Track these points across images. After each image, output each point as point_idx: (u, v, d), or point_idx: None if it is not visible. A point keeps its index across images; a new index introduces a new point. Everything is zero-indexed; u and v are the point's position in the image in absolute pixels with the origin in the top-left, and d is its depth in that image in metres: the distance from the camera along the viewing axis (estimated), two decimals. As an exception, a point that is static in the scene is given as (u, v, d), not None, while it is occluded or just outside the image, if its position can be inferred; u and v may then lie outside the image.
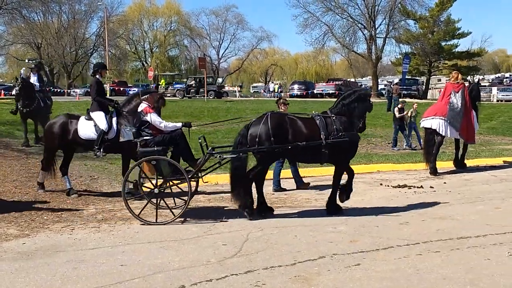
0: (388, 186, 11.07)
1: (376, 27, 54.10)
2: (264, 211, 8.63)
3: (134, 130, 9.39)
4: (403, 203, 9.44)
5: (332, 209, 8.76)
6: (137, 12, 71.67)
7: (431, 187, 10.96)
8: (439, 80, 60.68)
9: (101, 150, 9.88)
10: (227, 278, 5.68)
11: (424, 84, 57.33)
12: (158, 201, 8.51)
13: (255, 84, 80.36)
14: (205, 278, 5.67)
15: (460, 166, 13.43)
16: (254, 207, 8.57)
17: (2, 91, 49.51)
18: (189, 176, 8.32)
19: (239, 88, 61.39)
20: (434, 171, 12.61)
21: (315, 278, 5.69)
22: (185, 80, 57.16)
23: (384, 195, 9.02)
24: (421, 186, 10.92)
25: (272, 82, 69.26)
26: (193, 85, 50.23)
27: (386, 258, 6.35)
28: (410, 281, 5.59)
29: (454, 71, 14.43)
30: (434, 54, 54.13)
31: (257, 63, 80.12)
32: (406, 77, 51.42)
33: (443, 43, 55.26)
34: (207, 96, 42.59)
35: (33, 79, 16.30)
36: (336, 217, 8.45)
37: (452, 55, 55.69)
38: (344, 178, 8.83)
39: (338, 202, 8.80)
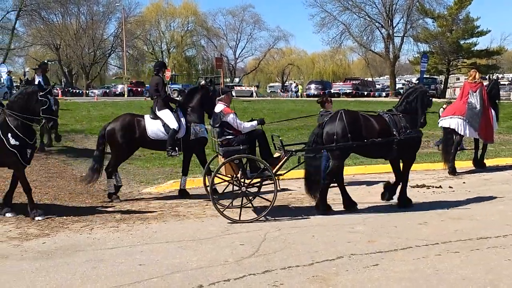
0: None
1: (394, 26, 53.77)
2: (350, 207, 8.95)
3: (204, 127, 9.79)
4: (422, 203, 9.37)
5: (403, 202, 9.14)
6: (154, 13, 72.01)
7: (450, 187, 10.87)
8: (458, 79, 60.12)
9: (176, 149, 9.77)
10: (245, 278, 5.69)
11: (443, 83, 56.84)
12: (242, 199, 8.57)
13: (271, 84, 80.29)
14: (223, 278, 5.68)
15: (479, 166, 13.29)
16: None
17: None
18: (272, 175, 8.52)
19: (255, 88, 61.49)
20: (453, 171, 12.50)
21: (333, 278, 5.67)
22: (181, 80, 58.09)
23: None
24: (440, 186, 10.84)
25: (294, 82, 69.04)
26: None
27: (404, 258, 6.31)
28: (429, 281, 5.55)
29: (472, 70, 14.28)
30: (453, 53, 53.67)
31: (274, 62, 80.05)
32: (424, 76, 51.02)
33: (461, 42, 54.74)
34: None
35: (37, 81, 14.99)
36: (354, 217, 8.42)
37: (471, 53, 55.16)
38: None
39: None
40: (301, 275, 5.77)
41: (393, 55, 53.62)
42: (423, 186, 10.92)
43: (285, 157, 8.74)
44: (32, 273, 5.96)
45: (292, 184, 11.30)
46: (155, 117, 9.91)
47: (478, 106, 12.64)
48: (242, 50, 76.96)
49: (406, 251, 6.60)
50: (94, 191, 10.45)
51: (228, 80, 53.98)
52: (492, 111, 13.13)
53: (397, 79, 57.70)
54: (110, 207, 9.34)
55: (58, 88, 58.76)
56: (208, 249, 6.81)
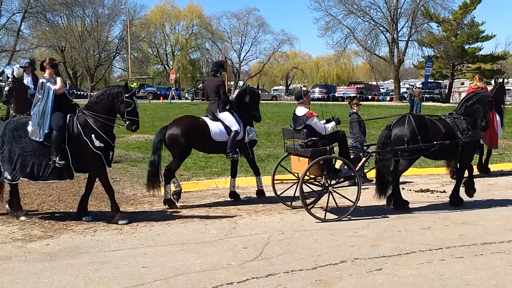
0: (410, 190, 10.97)
1: (399, 30, 53.94)
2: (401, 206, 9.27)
3: (254, 130, 9.90)
4: (426, 207, 9.35)
5: (456, 202, 9.50)
6: (159, 16, 72.27)
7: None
8: (462, 83, 60.09)
9: (238, 151, 9.65)
10: (248, 282, 5.69)
11: (447, 87, 56.78)
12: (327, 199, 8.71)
13: (276, 87, 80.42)
14: (226, 281, 5.69)
15: (484, 171, 13.25)
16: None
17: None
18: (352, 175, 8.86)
19: (259, 91, 61.72)
20: (454, 175, 12.47)
21: (337, 283, 5.67)
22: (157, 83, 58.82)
23: (406, 200, 8.96)
24: (444, 191, 10.80)
25: (304, 86, 69.03)
26: (201, 88, 52.01)
27: (408, 263, 6.30)
28: (433, 286, 5.54)
29: (478, 75, 14.25)
30: (458, 57, 53.65)
31: (278, 66, 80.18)
32: (429, 80, 51.00)
33: (466, 46, 54.71)
34: (174, 99, 44.84)
35: (26, 80, 14.10)
36: (358, 221, 8.41)
37: (475, 58, 55.11)
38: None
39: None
40: (305, 279, 5.76)
41: (397, 59, 53.68)
42: (427, 190, 10.89)
43: (364, 158, 9.27)
44: (36, 274, 5.97)
45: (294, 187, 11.27)
46: (215, 118, 9.72)
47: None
48: (246, 53, 77.16)
49: (409, 256, 6.59)
50: (98, 193, 10.45)
51: (232, 83, 54.53)
52: (497, 116, 13.08)
53: (401, 83, 57.70)
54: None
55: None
56: (212, 252, 6.81)
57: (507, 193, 10.66)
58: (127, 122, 8.37)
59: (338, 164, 9.03)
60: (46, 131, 8.14)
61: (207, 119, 9.74)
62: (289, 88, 75.93)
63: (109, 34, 66.33)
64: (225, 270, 6.07)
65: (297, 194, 8.88)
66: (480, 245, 7.02)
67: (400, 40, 54.06)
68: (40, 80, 8.51)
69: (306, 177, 8.82)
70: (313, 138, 8.66)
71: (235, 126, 9.63)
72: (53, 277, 5.86)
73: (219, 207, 9.46)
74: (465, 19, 54.21)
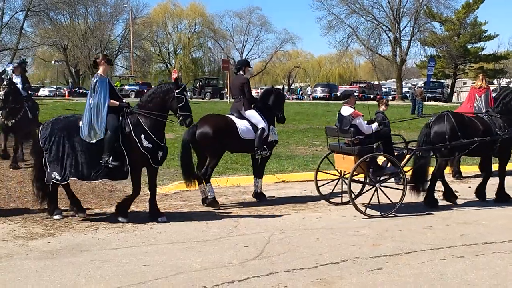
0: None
1: (401, 29, 53.85)
2: (449, 198, 9.62)
3: (275, 130, 9.89)
4: (427, 207, 9.35)
5: (501, 198, 9.74)
6: (162, 14, 72.27)
7: (455, 191, 10.81)
8: (465, 83, 60.07)
9: (266, 148, 9.58)
10: (249, 280, 5.70)
11: (450, 87, 56.72)
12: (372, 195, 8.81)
13: (278, 86, 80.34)
14: (227, 280, 5.69)
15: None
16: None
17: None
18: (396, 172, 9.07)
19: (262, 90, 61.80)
20: (456, 175, 12.49)
21: (337, 282, 5.67)
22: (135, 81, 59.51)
23: (407, 199, 8.96)
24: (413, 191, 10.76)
25: (310, 86, 68.96)
26: (199, 86, 55.09)
27: (409, 262, 6.30)
28: (434, 286, 5.54)
29: (481, 74, 14.20)
30: (460, 57, 53.59)
31: (281, 65, 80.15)
32: (431, 80, 50.95)
33: (469, 46, 54.65)
34: (204, 97, 45.30)
35: (16, 82, 13.03)
36: (359, 220, 8.41)
37: (478, 58, 55.06)
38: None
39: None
40: (305, 278, 5.77)
41: (400, 58, 53.61)
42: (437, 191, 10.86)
43: (409, 155, 9.43)
44: (37, 272, 5.98)
45: (296, 186, 11.30)
46: (241, 116, 9.64)
47: (483, 111, 12.56)
48: (248, 52, 77.12)
49: (410, 255, 6.59)
50: (99, 192, 10.47)
51: (215, 82, 55.07)
52: None
53: (403, 83, 57.61)
54: (115, 206, 9.34)
55: (65, 89, 59.12)
56: (213, 250, 6.81)
57: (509, 193, 10.63)
58: (181, 118, 8.28)
59: (380, 161, 9.18)
60: (101, 136, 8.04)
61: (233, 117, 9.66)
62: (291, 87, 75.88)
63: (112, 33, 66.36)
64: (226, 269, 6.07)
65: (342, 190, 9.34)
66: (481, 245, 7.02)
67: (402, 40, 54.02)
68: (94, 79, 8.33)
69: (348, 175, 9.07)
70: (359, 137, 8.76)
71: (261, 124, 9.58)
72: (54, 275, 5.88)
73: (220, 205, 9.46)
74: (468, 18, 54.13)
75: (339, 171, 9.71)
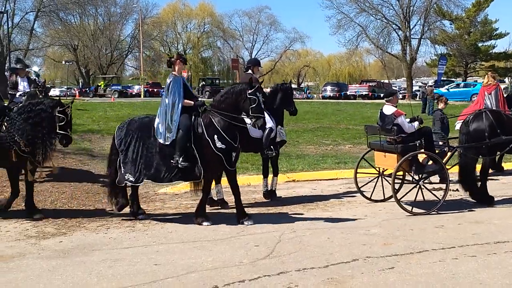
0: (423, 188, 10.92)
1: (411, 27, 53.58)
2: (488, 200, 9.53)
3: (283, 130, 9.88)
4: (439, 206, 9.30)
5: None
6: (171, 14, 72.42)
7: (456, 190, 10.75)
8: (476, 81, 59.68)
9: (272, 148, 9.52)
10: (260, 279, 5.69)
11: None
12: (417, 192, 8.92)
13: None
14: (237, 279, 5.69)
15: (497, 169, 13.15)
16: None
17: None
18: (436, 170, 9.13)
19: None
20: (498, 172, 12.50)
21: (348, 281, 5.65)
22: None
23: (419, 198, 8.92)
24: (457, 189, 10.73)
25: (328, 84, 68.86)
26: (202, 86, 56.77)
27: (420, 262, 6.26)
28: (446, 285, 5.51)
29: (490, 72, 14.12)
30: (471, 55, 53.31)
31: (290, 64, 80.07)
32: (442, 78, 50.66)
33: (479, 44, 54.36)
34: (204, 96, 46.31)
35: (22, 85, 12.18)
36: (370, 220, 8.39)
37: (489, 56, 54.74)
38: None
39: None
40: (316, 277, 5.75)
41: (410, 57, 53.37)
42: (440, 189, 10.80)
43: (450, 153, 9.62)
44: (49, 271, 6.02)
45: (306, 185, 11.29)
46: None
47: (493, 108, 12.49)
48: (258, 52, 77.07)
49: (422, 254, 6.55)
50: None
51: (217, 81, 55.65)
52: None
53: (413, 81, 57.35)
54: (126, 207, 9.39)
55: (75, 89, 59.37)
56: (223, 249, 6.82)
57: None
58: (253, 120, 8.04)
59: (420, 159, 9.21)
60: (174, 137, 7.98)
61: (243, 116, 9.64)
62: (301, 86, 75.75)
63: (121, 33, 66.68)
64: (237, 268, 6.07)
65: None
66: (494, 244, 6.97)
67: (412, 38, 53.75)
68: (169, 79, 8.28)
69: (387, 172, 9.28)
70: (402, 135, 8.81)
71: (269, 123, 9.50)
72: (66, 274, 5.91)
73: (230, 204, 9.46)
74: (478, 16, 53.83)
75: (378, 168, 9.80)
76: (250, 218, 8.17)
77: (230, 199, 9.72)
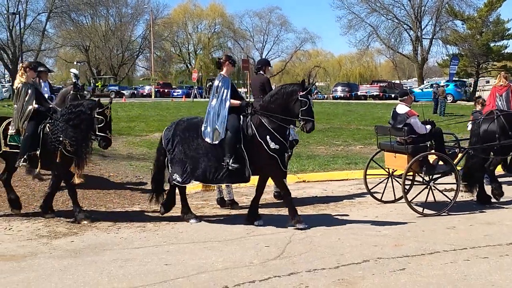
0: (434, 189, 10.86)
1: (422, 28, 53.42)
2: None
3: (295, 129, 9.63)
4: (450, 207, 9.24)
5: None
6: (182, 15, 72.55)
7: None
8: (487, 82, 59.19)
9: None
10: (270, 280, 5.69)
11: (472, 86, 56.03)
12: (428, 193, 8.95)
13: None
14: (248, 280, 5.69)
15: (509, 170, 13.03)
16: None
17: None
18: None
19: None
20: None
21: (359, 282, 5.63)
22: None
23: (430, 199, 8.88)
24: (465, 191, 10.66)
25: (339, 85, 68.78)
26: (208, 87, 55.83)
27: (432, 263, 6.23)
28: (457, 287, 5.48)
29: (503, 72, 14.01)
30: (483, 56, 52.91)
31: (300, 64, 79.91)
32: (454, 78, 50.37)
33: (492, 44, 53.92)
34: (196, 98, 46.43)
35: (43, 90, 10.57)
36: (381, 221, 8.35)
37: (501, 56, 54.30)
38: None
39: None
40: (327, 278, 5.74)
41: (421, 57, 53.18)
42: (451, 190, 10.74)
43: (461, 154, 9.57)
44: (61, 271, 6.05)
45: (316, 186, 11.27)
46: None
47: (505, 109, 12.39)
48: (268, 52, 76.98)
49: (433, 255, 6.52)
50: (121, 191, 10.56)
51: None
52: None
53: (425, 82, 57.02)
54: (137, 207, 9.43)
55: (87, 91, 59.67)
56: (234, 250, 6.82)
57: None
58: (302, 123, 7.80)
59: (431, 159, 9.21)
60: (222, 137, 7.86)
61: None
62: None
63: (133, 34, 66.91)
64: (247, 268, 6.07)
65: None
66: (506, 246, 6.92)
67: (424, 38, 53.59)
68: (217, 80, 8.22)
69: (397, 173, 9.32)
70: (412, 136, 8.77)
71: None
72: (77, 274, 5.93)
73: (241, 204, 9.47)
74: (490, 16, 53.42)
75: (388, 169, 9.77)
76: (301, 221, 7.84)
77: (240, 199, 9.75)
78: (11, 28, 50.04)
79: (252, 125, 7.89)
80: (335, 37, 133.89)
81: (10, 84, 48.71)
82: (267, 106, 7.96)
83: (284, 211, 8.96)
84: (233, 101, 8.12)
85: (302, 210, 9.07)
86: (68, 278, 5.81)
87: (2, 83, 53.45)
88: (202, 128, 8.02)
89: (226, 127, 7.89)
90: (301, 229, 7.69)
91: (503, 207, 9.30)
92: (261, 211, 9.00)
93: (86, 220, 8.16)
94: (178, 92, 55.75)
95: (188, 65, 75.73)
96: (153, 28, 60.38)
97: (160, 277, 5.79)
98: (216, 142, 7.89)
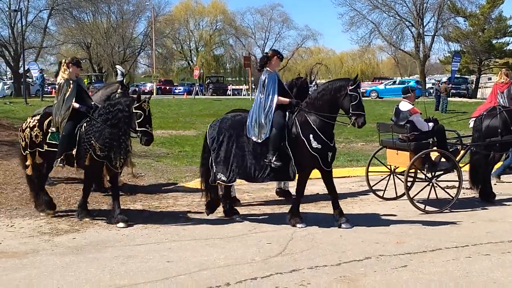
0: (436, 186, 10.85)
1: (424, 24, 53.19)
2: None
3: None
4: (452, 204, 9.23)
5: None
6: (184, 12, 72.47)
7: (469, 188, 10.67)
8: (490, 79, 59.07)
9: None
10: (272, 277, 5.69)
11: (474, 83, 55.94)
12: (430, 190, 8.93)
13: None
14: (250, 276, 5.69)
15: (510, 168, 13.02)
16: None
17: (54, 89, 50.83)
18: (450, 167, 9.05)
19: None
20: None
21: (361, 279, 5.63)
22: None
23: (432, 196, 8.87)
24: (471, 187, 10.65)
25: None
26: (207, 84, 58.18)
27: (434, 260, 6.23)
28: (459, 284, 5.48)
29: (504, 69, 13.96)
30: (485, 52, 52.75)
31: (302, 61, 79.80)
32: (455, 75, 50.28)
33: (494, 41, 53.79)
34: (198, 95, 46.50)
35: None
36: (382, 218, 8.35)
37: (503, 53, 54.15)
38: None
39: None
40: (329, 275, 5.74)
41: (423, 54, 53.00)
42: (453, 187, 10.73)
43: (463, 151, 9.61)
44: (63, 267, 6.06)
45: (318, 183, 11.23)
46: None
47: (506, 106, 12.35)
48: (270, 49, 76.92)
49: (435, 252, 6.52)
50: (123, 188, 10.54)
51: (253, 79, 55.19)
52: None
53: (427, 79, 56.93)
54: (138, 204, 9.43)
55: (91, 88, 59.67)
56: (236, 247, 6.82)
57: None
58: (353, 118, 7.59)
59: (433, 156, 9.18)
60: (267, 135, 7.66)
61: None
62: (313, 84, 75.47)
63: (134, 31, 66.69)
64: (249, 265, 6.07)
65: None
66: (508, 243, 6.91)
67: (426, 35, 53.34)
68: (263, 76, 7.91)
69: (399, 170, 9.37)
70: (415, 133, 8.77)
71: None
72: (79, 270, 5.94)
73: (242, 202, 9.47)
74: (492, 13, 53.23)
75: (390, 166, 9.76)
76: (347, 220, 7.78)
77: (242, 196, 9.74)
78: (12, 25, 49.93)
79: (297, 123, 7.71)
80: (337, 34, 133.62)
81: (12, 81, 48.79)
82: (314, 103, 7.76)
83: (287, 208, 8.96)
84: (281, 98, 7.87)
85: (303, 207, 9.07)
86: (70, 275, 5.82)
87: (4, 80, 53.45)
88: (247, 125, 7.84)
89: (272, 124, 7.70)
90: (345, 228, 7.63)
91: (506, 204, 9.30)
92: (263, 208, 9.02)
93: (123, 223, 7.81)
94: (180, 89, 55.76)
95: (190, 62, 75.66)
96: (155, 25, 60.32)
97: (162, 274, 5.80)
98: (260, 140, 7.72)
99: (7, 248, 6.85)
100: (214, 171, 7.93)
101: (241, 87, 56.54)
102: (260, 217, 8.41)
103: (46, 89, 42.66)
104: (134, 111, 7.72)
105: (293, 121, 7.75)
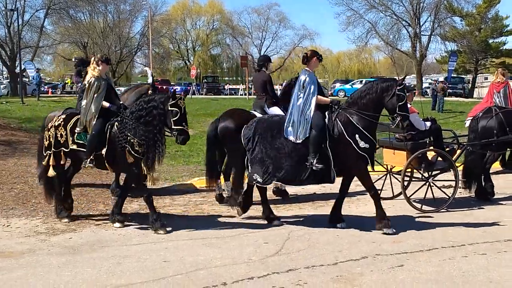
0: (433, 186, 10.86)
1: (421, 24, 53.15)
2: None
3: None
4: (448, 204, 9.25)
5: None
6: (180, 11, 72.39)
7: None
8: (486, 78, 59.17)
9: None
10: (269, 276, 5.69)
11: (470, 82, 56.02)
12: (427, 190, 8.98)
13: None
14: (246, 276, 5.69)
15: (507, 167, 13.05)
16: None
17: (50, 89, 50.83)
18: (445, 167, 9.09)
19: (281, 86, 61.86)
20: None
21: (358, 278, 5.64)
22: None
23: (429, 196, 8.89)
24: (464, 188, 10.67)
25: (337, 82, 69.02)
26: (205, 83, 59.08)
27: (430, 259, 6.24)
28: (455, 283, 5.49)
29: (500, 69, 13.98)
30: (481, 52, 52.81)
31: (299, 61, 79.48)
32: (452, 75, 50.36)
33: (490, 41, 53.88)
34: (195, 95, 46.73)
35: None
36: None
37: (499, 52, 54.24)
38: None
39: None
40: (325, 275, 5.75)
41: (419, 54, 53.02)
42: (449, 186, 10.75)
43: (459, 150, 9.67)
44: (59, 267, 6.05)
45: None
46: (264, 113, 9.28)
47: (502, 106, 12.37)
48: (267, 49, 76.71)
49: (431, 252, 6.53)
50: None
51: (251, 78, 55.24)
52: None
53: (423, 78, 56.98)
54: (135, 204, 9.42)
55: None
56: (232, 247, 6.82)
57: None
58: (398, 118, 7.44)
59: (429, 156, 9.21)
60: (306, 135, 7.46)
61: (257, 113, 9.24)
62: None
63: (131, 30, 66.47)
64: (246, 265, 6.08)
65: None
66: (504, 242, 6.93)
67: (422, 35, 53.33)
68: (303, 76, 7.74)
69: (395, 169, 9.42)
70: (412, 132, 8.77)
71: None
72: (76, 270, 5.93)
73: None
74: (489, 13, 53.28)
75: (387, 166, 9.79)
76: (389, 224, 7.49)
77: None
78: (9, 24, 49.77)
79: (339, 123, 7.52)
80: (334, 34, 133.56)
81: (8, 81, 48.65)
82: (357, 102, 7.60)
83: (283, 208, 8.98)
84: (321, 97, 7.74)
85: (300, 207, 9.10)
86: (66, 274, 5.81)
87: (0, 80, 53.30)
88: (285, 126, 7.63)
89: (311, 125, 7.51)
90: (388, 234, 7.35)
91: (501, 204, 9.32)
92: (260, 208, 9.00)
93: (162, 230, 7.51)
94: (177, 88, 55.66)
95: (187, 61, 75.57)
96: (152, 24, 60.23)
97: (158, 273, 5.79)
98: (300, 141, 7.51)
99: (4, 248, 6.83)
100: (250, 171, 7.77)
101: (238, 86, 56.70)
102: (257, 217, 8.39)
103: (42, 89, 42.52)
104: (169, 108, 7.45)
105: (334, 122, 7.56)
